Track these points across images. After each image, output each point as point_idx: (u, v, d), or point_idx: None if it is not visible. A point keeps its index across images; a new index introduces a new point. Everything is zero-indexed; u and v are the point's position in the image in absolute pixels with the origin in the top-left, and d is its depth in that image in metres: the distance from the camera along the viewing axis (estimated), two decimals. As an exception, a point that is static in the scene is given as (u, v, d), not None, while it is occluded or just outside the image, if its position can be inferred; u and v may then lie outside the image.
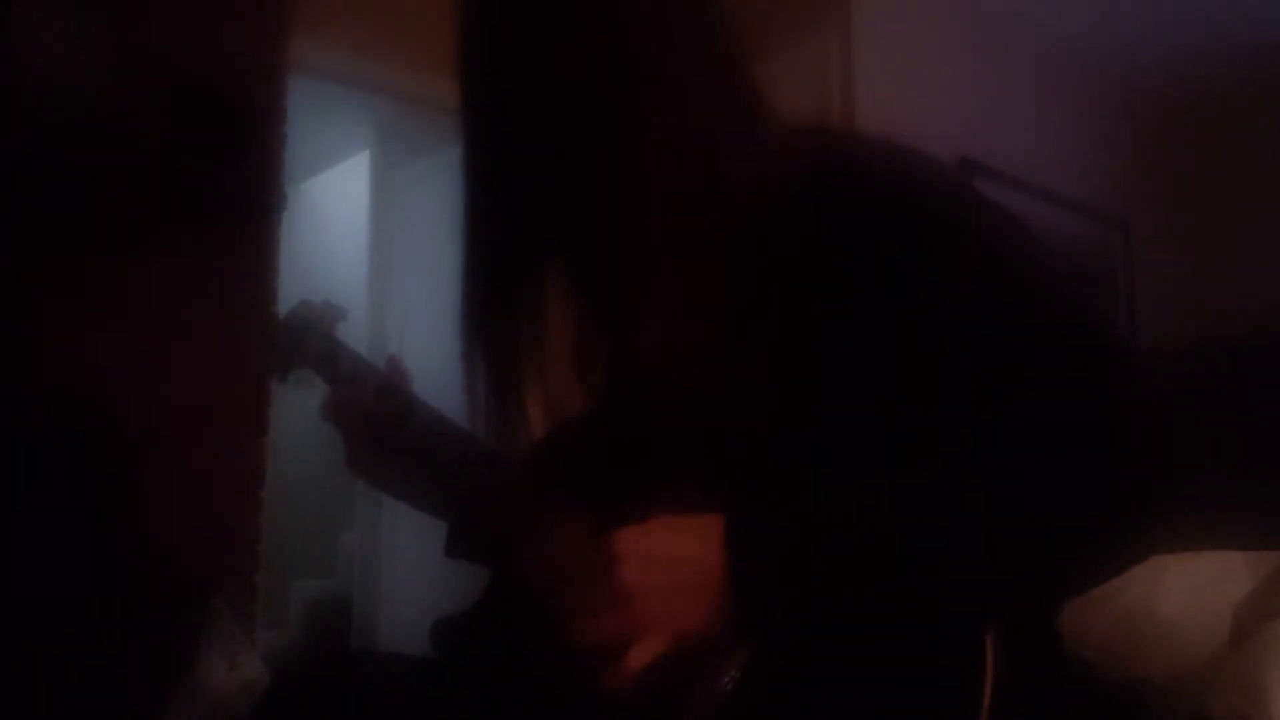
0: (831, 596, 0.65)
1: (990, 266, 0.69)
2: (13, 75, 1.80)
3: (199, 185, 2.08)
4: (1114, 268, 3.49)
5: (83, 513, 1.80)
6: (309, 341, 0.98)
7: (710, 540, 0.66)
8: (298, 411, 3.11)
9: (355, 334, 1.05)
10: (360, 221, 4.02)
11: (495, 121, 0.77)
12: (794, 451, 0.70)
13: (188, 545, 1.99)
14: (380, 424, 0.92)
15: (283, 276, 2.34)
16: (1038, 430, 0.65)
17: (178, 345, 2.12)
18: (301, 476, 3.87)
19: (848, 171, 0.74)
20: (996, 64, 3.22)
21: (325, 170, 4.58)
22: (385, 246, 3.74)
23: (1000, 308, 0.67)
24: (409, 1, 2.82)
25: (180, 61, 2.14)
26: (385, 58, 2.74)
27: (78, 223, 1.99)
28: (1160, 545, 0.67)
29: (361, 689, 0.82)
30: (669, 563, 0.66)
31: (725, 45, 0.79)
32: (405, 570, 3.34)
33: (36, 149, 1.86)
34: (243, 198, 2.18)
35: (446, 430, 0.90)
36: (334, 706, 0.80)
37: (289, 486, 3.57)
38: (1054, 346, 0.66)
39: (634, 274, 0.72)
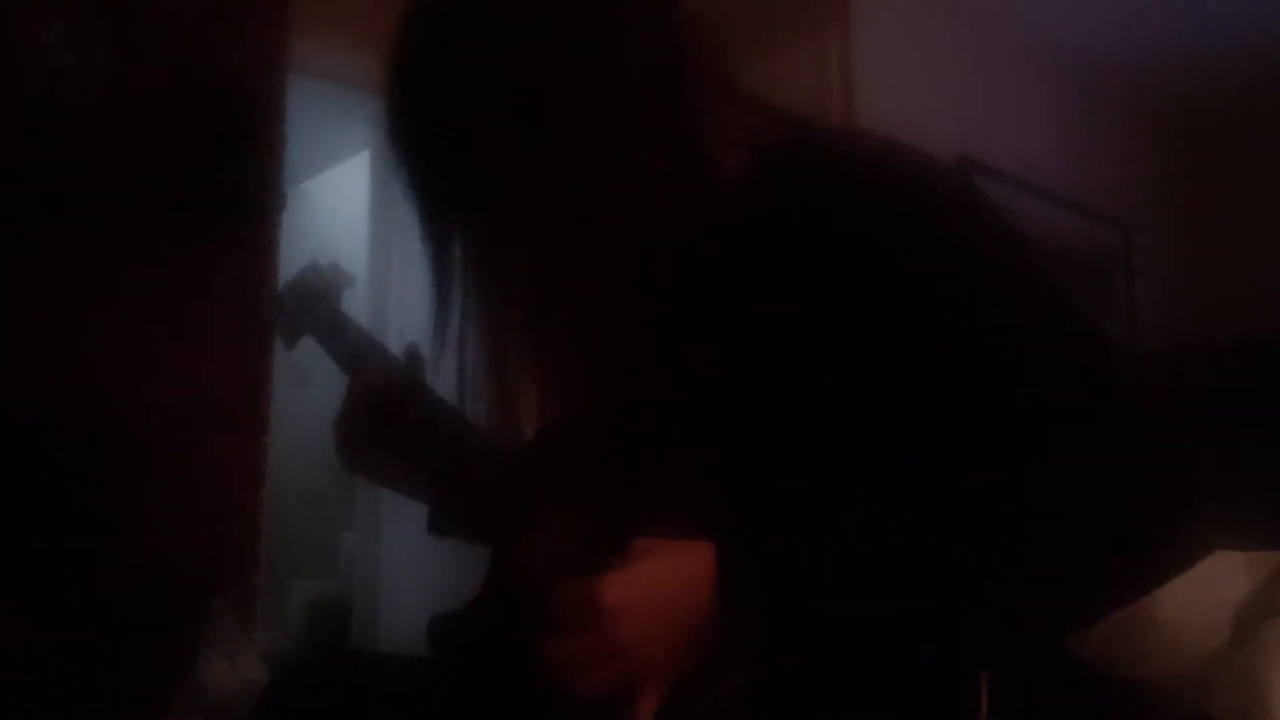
0: (828, 624, 0.64)
1: (984, 269, 0.68)
2: (13, 75, 1.80)
3: (199, 185, 2.08)
4: (1114, 268, 3.49)
5: (83, 513, 1.80)
6: (315, 308, 0.98)
7: (700, 573, 0.64)
8: (298, 411, 3.12)
9: (355, 334, 1.05)
10: (360, 221, 4.02)
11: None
12: (784, 469, 0.69)
13: (188, 545, 1.99)
14: (385, 404, 0.91)
15: (283, 276, 2.34)
16: (1035, 447, 0.63)
17: (178, 345, 2.12)
18: (301, 476, 3.87)
19: (837, 170, 0.73)
20: (997, 64, 3.22)
21: (325, 170, 4.58)
22: (385, 246, 3.73)
23: (992, 313, 0.66)
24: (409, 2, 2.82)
25: (180, 61, 2.13)
26: (385, 58, 2.74)
27: (77, 222, 1.99)
28: (1185, 562, 0.65)
29: (361, 689, 0.82)
30: (661, 607, 0.64)
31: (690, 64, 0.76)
32: (405, 570, 3.34)
33: (36, 148, 1.86)
34: (243, 198, 2.17)
35: (448, 417, 0.90)
36: (334, 706, 0.80)
37: (289, 486, 3.57)
38: (1043, 354, 0.65)
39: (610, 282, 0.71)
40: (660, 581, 0.65)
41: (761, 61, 2.75)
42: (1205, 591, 1.39)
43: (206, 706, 1.71)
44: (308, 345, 1.04)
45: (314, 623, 3.96)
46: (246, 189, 2.16)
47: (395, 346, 0.97)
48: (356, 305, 1.04)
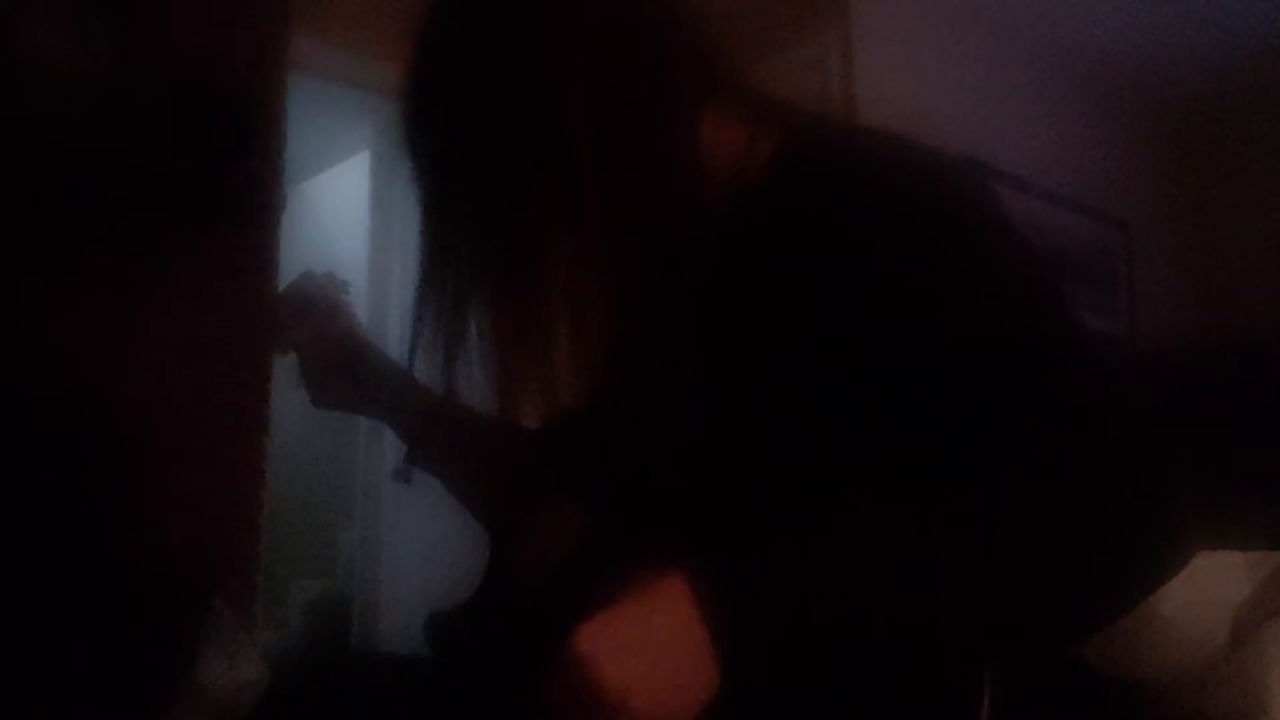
0: (822, 644, 0.63)
1: (983, 274, 0.68)
2: (13, 75, 1.80)
3: (199, 185, 2.07)
4: (1114, 268, 3.49)
5: (82, 512, 1.80)
6: (310, 317, 0.99)
7: (686, 610, 0.61)
8: (298, 411, 3.12)
9: (355, 334, 1.05)
10: (360, 221, 4.02)
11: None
12: (771, 486, 0.69)
13: (188, 545, 1.99)
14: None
15: (283, 276, 2.34)
16: (1025, 464, 0.63)
17: (177, 345, 2.12)
18: (301, 476, 3.87)
19: (847, 172, 0.73)
20: (997, 64, 3.22)
21: (325, 170, 4.58)
22: (385, 247, 3.74)
23: (982, 321, 0.66)
24: (409, 2, 2.83)
25: (180, 61, 2.13)
26: (385, 58, 2.74)
27: (77, 222, 1.99)
28: (1175, 567, 0.65)
29: (361, 689, 0.82)
30: (648, 650, 0.61)
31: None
32: (405, 570, 3.34)
33: (36, 148, 1.86)
34: (243, 198, 2.17)
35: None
36: (334, 706, 0.80)
37: (289, 486, 3.56)
38: (1030, 360, 0.65)
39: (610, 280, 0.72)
40: (645, 620, 0.62)
41: (762, 61, 2.75)
42: (1205, 591, 1.39)
43: (206, 706, 1.71)
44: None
45: (314, 623, 3.96)
46: (246, 189, 2.16)
47: (395, 347, 0.98)
48: (356, 306, 1.04)
